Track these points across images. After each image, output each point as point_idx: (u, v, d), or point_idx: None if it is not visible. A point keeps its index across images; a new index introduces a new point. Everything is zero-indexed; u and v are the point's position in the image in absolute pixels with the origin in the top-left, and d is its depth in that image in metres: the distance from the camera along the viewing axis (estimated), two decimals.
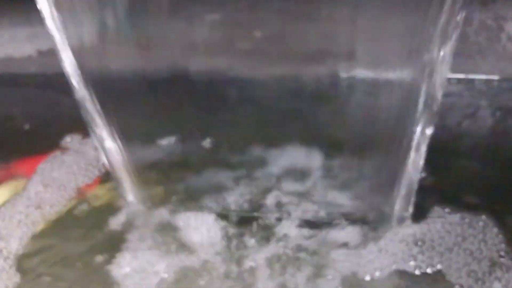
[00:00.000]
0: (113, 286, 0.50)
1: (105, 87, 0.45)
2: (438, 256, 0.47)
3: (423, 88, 0.39)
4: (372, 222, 0.51)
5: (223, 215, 0.55)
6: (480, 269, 0.46)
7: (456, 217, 0.50)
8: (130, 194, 0.56)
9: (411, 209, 0.49)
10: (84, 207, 0.59)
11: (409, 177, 0.45)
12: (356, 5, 0.36)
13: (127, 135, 0.49)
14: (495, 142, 0.59)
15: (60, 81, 0.49)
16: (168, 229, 0.55)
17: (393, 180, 0.46)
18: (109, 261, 0.52)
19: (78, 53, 0.42)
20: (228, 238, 0.53)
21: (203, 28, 0.39)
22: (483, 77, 0.65)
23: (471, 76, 0.65)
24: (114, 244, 0.54)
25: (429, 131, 0.42)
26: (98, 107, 0.46)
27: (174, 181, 0.54)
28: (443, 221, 0.50)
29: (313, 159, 0.47)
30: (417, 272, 0.47)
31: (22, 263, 0.53)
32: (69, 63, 0.43)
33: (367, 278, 0.47)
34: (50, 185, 0.61)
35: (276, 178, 0.50)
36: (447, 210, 0.51)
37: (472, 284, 0.45)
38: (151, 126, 0.49)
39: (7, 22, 0.74)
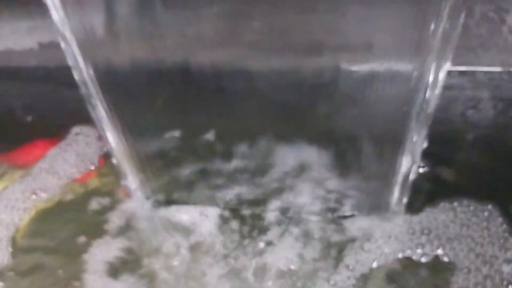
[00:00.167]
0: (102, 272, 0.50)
1: (109, 79, 0.45)
2: (445, 243, 0.48)
3: (423, 80, 0.39)
4: (372, 212, 0.51)
5: (226, 208, 0.55)
6: (486, 252, 0.46)
7: (461, 205, 0.51)
8: (132, 184, 0.56)
9: (405, 199, 0.49)
10: (81, 195, 0.59)
11: (406, 168, 0.46)
12: None
13: (131, 126, 0.49)
14: (497, 133, 0.59)
15: (61, 74, 0.49)
16: (168, 221, 0.55)
17: (391, 171, 0.46)
18: (97, 247, 0.53)
19: (82, 45, 0.42)
20: (228, 231, 0.53)
21: (206, 20, 0.39)
22: (485, 69, 0.65)
23: (472, 68, 0.65)
24: (108, 231, 0.55)
25: (427, 122, 0.42)
26: (102, 98, 0.46)
27: (176, 173, 0.54)
28: (449, 210, 0.50)
29: (314, 151, 0.47)
30: (423, 259, 0.47)
31: (14, 245, 0.55)
32: (73, 55, 0.43)
33: (375, 265, 0.48)
34: (50, 174, 0.62)
35: (279, 170, 0.50)
36: (451, 199, 0.51)
37: (479, 266, 0.46)
38: (154, 118, 0.49)
39: (8, 15, 0.73)
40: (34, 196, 0.60)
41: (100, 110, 0.47)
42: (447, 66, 0.38)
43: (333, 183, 0.50)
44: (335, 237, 0.51)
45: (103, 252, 0.53)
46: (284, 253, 0.50)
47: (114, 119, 0.48)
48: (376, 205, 0.51)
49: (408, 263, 0.48)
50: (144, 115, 0.48)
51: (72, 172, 0.62)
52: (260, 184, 0.52)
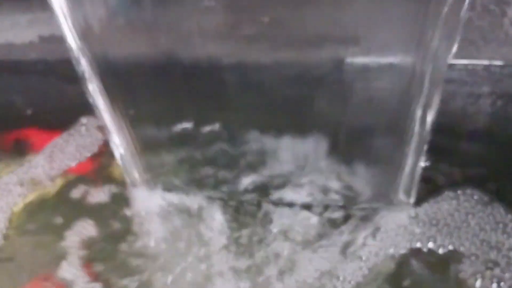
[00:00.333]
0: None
1: (110, 70, 0.45)
2: (453, 231, 0.49)
3: (426, 74, 0.39)
4: (379, 203, 0.52)
5: (227, 197, 0.55)
6: (491, 238, 0.47)
7: (464, 195, 0.51)
8: (132, 174, 0.56)
9: (412, 191, 0.50)
10: (78, 183, 0.60)
11: (412, 161, 0.46)
12: None
13: (133, 118, 0.49)
14: (498, 126, 0.59)
15: (61, 67, 0.49)
16: (168, 211, 0.55)
17: (398, 164, 0.47)
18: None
19: (84, 37, 0.42)
20: (230, 220, 0.53)
21: (206, 13, 0.39)
22: (486, 62, 0.65)
23: (473, 62, 0.65)
24: (106, 219, 0.55)
25: (431, 116, 0.42)
26: (104, 90, 0.46)
27: (177, 164, 0.54)
28: (453, 199, 0.51)
29: (316, 144, 0.47)
30: (432, 247, 0.48)
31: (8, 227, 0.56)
32: (74, 48, 0.43)
33: (385, 255, 0.48)
34: (48, 163, 0.63)
35: (283, 163, 0.51)
36: (455, 189, 0.52)
37: (487, 251, 0.46)
38: (156, 110, 0.49)
39: (8, 8, 0.73)
40: (30, 183, 0.61)
41: (100, 101, 0.47)
42: (449, 59, 0.38)
43: (339, 175, 0.50)
44: (342, 229, 0.51)
45: (98, 237, 0.54)
46: (290, 243, 0.50)
47: (114, 110, 0.48)
48: (382, 196, 0.51)
49: (417, 252, 0.48)
50: (144, 105, 0.48)
51: (71, 162, 0.63)
52: (262, 175, 0.52)
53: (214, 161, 0.52)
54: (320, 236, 0.51)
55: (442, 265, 0.47)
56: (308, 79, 0.42)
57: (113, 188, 0.59)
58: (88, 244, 0.53)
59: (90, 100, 0.47)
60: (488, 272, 0.45)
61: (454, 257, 0.47)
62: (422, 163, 0.46)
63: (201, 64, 0.43)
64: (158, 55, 0.43)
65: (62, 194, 0.59)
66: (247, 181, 0.53)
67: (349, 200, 0.52)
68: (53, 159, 0.63)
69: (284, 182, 0.52)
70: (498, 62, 0.64)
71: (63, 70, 0.49)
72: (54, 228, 0.55)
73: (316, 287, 0.47)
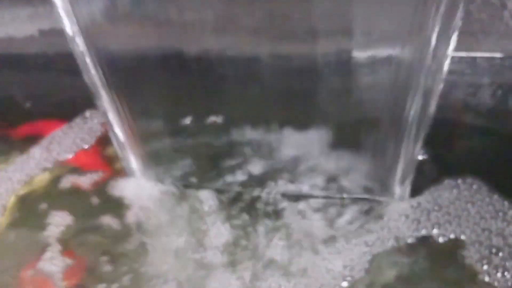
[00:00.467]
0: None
1: (112, 63, 0.45)
2: (453, 219, 0.49)
3: (425, 66, 0.39)
4: (380, 193, 0.52)
5: (228, 190, 0.55)
6: (491, 226, 0.48)
7: (464, 184, 0.52)
8: (133, 166, 0.56)
9: (411, 181, 0.50)
10: (73, 174, 0.60)
11: (410, 153, 0.46)
12: None
13: (134, 110, 0.49)
14: (497, 118, 0.59)
15: (62, 61, 0.49)
16: (166, 201, 0.55)
17: (395, 156, 0.47)
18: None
19: (86, 31, 0.42)
20: (231, 212, 0.53)
21: (207, 6, 0.39)
22: (486, 54, 0.65)
23: (473, 54, 0.65)
24: (105, 210, 0.56)
25: (431, 108, 0.42)
26: (105, 83, 0.46)
27: (177, 156, 0.54)
28: (454, 189, 0.51)
29: (316, 135, 0.47)
30: (435, 235, 0.48)
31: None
32: (76, 41, 0.43)
33: (391, 244, 0.49)
34: (47, 154, 0.63)
35: (281, 155, 0.51)
36: (455, 179, 0.52)
37: (490, 237, 0.47)
38: (156, 101, 0.49)
39: (8, 1, 0.73)
40: (29, 173, 0.62)
41: (102, 95, 0.47)
42: (450, 51, 0.38)
43: (337, 166, 0.50)
44: (342, 219, 0.51)
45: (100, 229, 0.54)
46: (289, 235, 0.51)
47: (116, 103, 0.48)
48: (383, 187, 0.51)
49: (421, 239, 0.49)
50: (144, 96, 0.49)
51: (69, 154, 0.63)
52: (261, 167, 0.53)
53: (212, 152, 0.52)
54: (320, 228, 0.51)
55: (446, 252, 0.48)
56: (306, 71, 0.42)
57: (110, 179, 0.59)
58: (79, 234, 0.54)
59: (92, 91, 0.48)
60: (493, 257, 0.46)
61: (458, 244, 0.48)
62: (421, 154, 0.47)
63: (202, 56, 0.43)
64: (158, 46, 0.44)
65: (56, 184, 0.60)
66: (245, 172, 0.53)
67: (349, 191, 0.52)
68: (50, 151, 0.64)
69: (282, 173, 0.53)
70: (498, 55, 0.64)
71: (63, 64, 0.49)
72: (43, 218, 0.56)
73: (316, 277, 0.47)
